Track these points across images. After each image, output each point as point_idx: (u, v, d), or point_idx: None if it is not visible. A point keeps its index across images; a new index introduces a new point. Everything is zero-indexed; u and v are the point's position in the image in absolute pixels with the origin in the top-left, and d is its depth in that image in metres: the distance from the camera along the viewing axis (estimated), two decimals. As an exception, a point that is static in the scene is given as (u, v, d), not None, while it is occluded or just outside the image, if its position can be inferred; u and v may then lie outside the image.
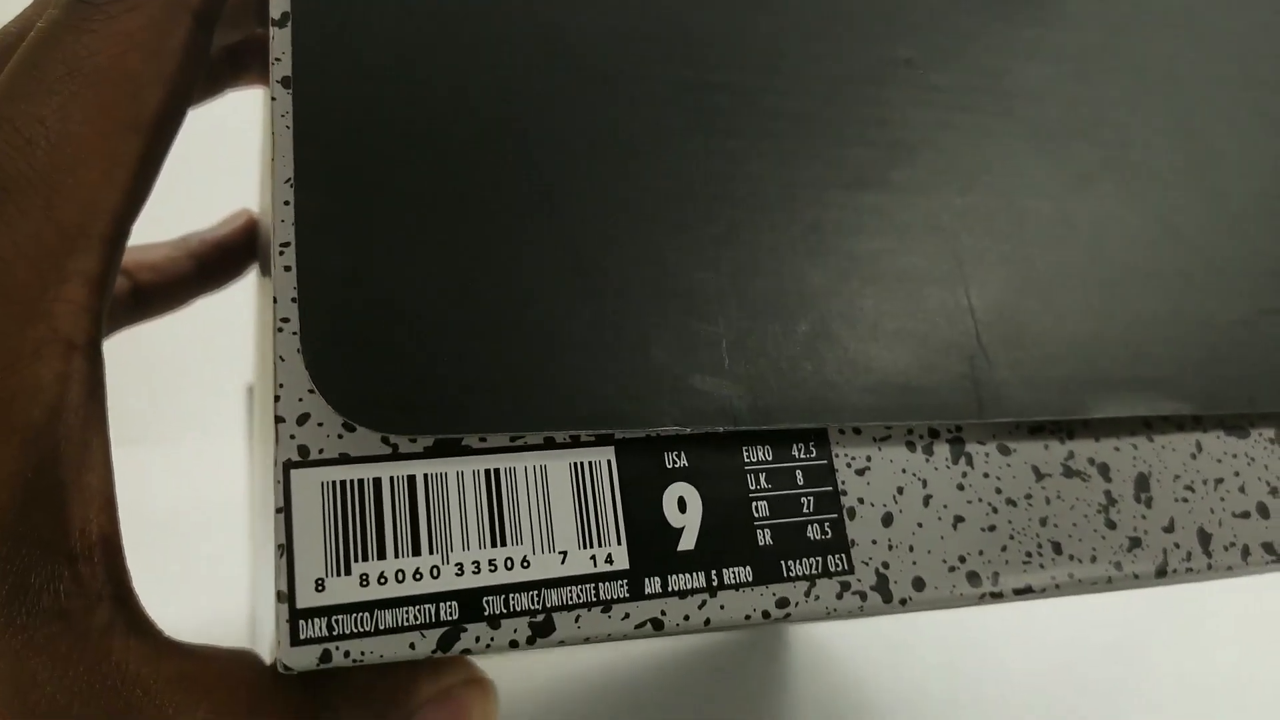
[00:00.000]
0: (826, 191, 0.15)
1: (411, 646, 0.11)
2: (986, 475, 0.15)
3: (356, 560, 0.11)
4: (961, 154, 0.16)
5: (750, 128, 0.15)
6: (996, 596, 0.14)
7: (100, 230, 0.13)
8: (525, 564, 0.12)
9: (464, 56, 0.13)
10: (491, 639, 0.12)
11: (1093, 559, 0.15)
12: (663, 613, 0.13)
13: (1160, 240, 0.17)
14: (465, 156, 0.13)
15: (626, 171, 0.14)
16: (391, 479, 0.12)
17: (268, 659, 0.14)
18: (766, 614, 0.13)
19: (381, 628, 0.11)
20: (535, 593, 0.12)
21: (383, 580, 0.11)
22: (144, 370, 0.37)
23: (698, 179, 0.14)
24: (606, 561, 0.12)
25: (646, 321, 0.13)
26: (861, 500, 0.14)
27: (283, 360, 0.12)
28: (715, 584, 0.13)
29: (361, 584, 0.11)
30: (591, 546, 0.12)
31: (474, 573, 0.12)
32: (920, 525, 0.14)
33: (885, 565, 0.14)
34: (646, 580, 0.13)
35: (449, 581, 0.12)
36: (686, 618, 0.13)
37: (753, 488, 0.14)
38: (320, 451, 0.12)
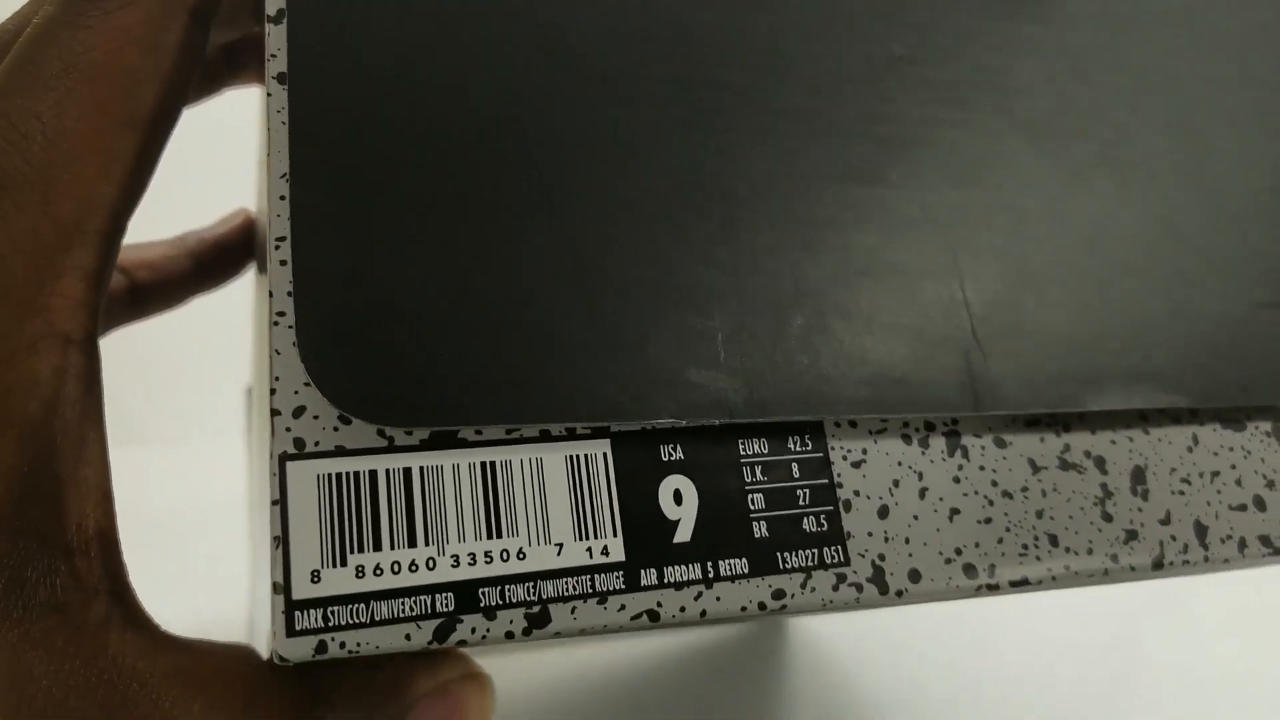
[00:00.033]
0: (823, 187, 0.15)
1: (407, 638, 0.11)
2: (982, 468, 0.15)
3: (352, 552, 0.11)
4: (958, 150, 0.16)
5: (747, 125, 0.15)
6: (993, 589, 0.14)
7: (97, 225, 0.13)
8: (521, 556, 0.12)
9: (461, 53, 0.13)
10: (487, 630, 0.12)
11: (1089, 551, 0.15)
12: (659, 604, 0.13)
13: (1156, 236, 0.17)
14: (461, 151, 0.13)
15: (623, 168, 0.14)
16: (387, 471, 0.12)
17: (265, 655, 0.14)
18: (763, 606, 0.13)
19: (377, 619, 0.11)
20: (531, 584, 0.12)
21: (378, 572, 0.11)
22: (143, 370, 0.37)
23: (694, 176, 0.14)
24: (602, 553, 0.12)
25: (642, 315, 0.13)
26: (857, 493, 0.14)
27: (278, 354, 0.12)
28: (711, 576, 0.13)
29: (357, 575, 0.11)
30: (587, 538, 0.12)
31: (470, 564, 0.12)
32: (916, 518, 0.14)
33: (881, 557, 0.14)
34: (642, 572, 0.13)
35: (445, 573, 0.12)
36: (682, 609, 0.13)
37: (748, 480, 0.14)
38: (316, 444, 0.12)
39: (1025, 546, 0.15)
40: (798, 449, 0.14)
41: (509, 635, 0.12)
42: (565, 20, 0.14)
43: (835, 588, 0.13)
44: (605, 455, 0.13)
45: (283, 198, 0.12)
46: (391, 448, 0.12)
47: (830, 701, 0.36)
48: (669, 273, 0.13)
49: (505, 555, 0.12)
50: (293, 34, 0.13)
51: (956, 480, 0.15)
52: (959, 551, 0.14)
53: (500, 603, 0.12)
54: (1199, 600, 0.42)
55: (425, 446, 0.12)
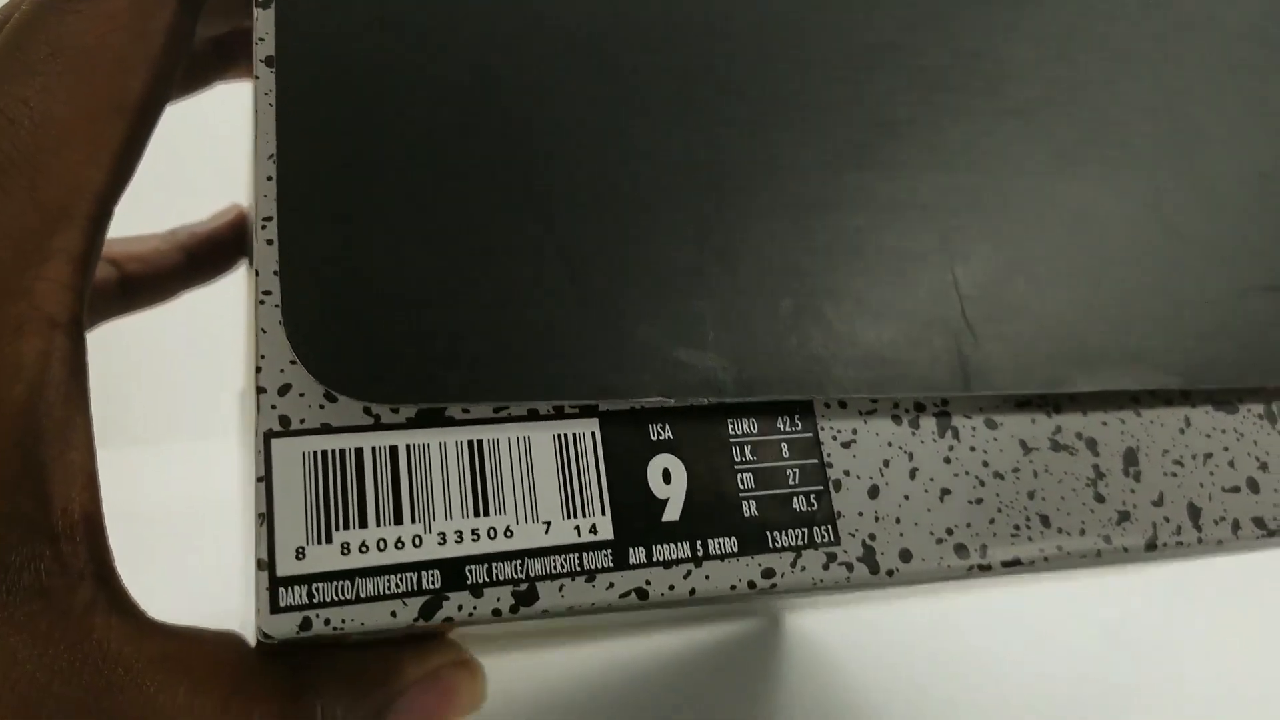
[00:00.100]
0: (812, 170, 0.15)
1: (393, 615, 0.11)
2: (973, 449, 0.15)
3: (337, 529, 0.11)
4: (947, 134, 0.16)
5: (736, 110, 0.15)
6: (985, 569, 0.14)
7: (84, 210, 0.13)
8: (509, 534, 0.12)
9: (447, 36, 0.14)
10: (474, 608, 0.12)
11: (1081, 532, 0.15)
12: (647, 582, 0.12)
13: (1146, 219, 0.17)
14: (448, 132, 0.13)
15: (612, 151, 0.14)
16: (374, 449, 0.12)
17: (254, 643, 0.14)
18: (752, 585, 0.13)
19: (363, 595, 0.11)
20: (518, 562, 0.12)
21: (364, 549, 0.11)
22: (143, 371, 0.37)
23: (684, 158, 0.14)
24: (591, 532, 0.12)
25: (631, 295, 0.13)
26: (847, 472, 0.14)
27: (264, 332, 0.12)
28: (700, 554, 0.13)
29: (343, 552, 0.11)
30: (575, 517, 0.12)
31: (456, 542, 0.12)
32: (907, 498, 0.14)
33: (872, 537, 0.14)
34: (631, 550, 0.13)
35: (431, 550, 0.12)
36: (671, 588, 0.13)
37: (738, 460, 0.14)
38: (302, 421, 0.12)
39: (1017, 527, 0.15)
40: (787, 429, 0.14)
41: (496, 613, 0.12)
42: (552, 3, 0.14)
43: (825, 567, 0.13)
44: (594, 434, 0.13)
45: (269, 178, 0.12)
46: (378, 425, 0.12)
47: (828, 701, 0.36)
48: (658, 253, 0.13)
49: (492, 533, 0.12)
50: (280, 17, 0.13)
51: (947, 461, 0.15)
52: (950, 531, 0.14)
53: (487, 580, 0.12)
54: (1198, 600, 0.42)
55: (412, 425, 0.12)
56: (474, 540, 0.12)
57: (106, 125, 0.13)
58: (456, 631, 0.16)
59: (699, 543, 0.13)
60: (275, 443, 0.11)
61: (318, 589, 0.11)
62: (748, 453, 0.14)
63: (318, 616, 0.11)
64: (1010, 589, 0.39)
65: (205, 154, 0.28)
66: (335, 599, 0.11)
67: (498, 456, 0.12)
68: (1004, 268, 0.16)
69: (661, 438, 0.13)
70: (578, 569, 0.12)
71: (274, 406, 0.12)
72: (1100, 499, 0.16)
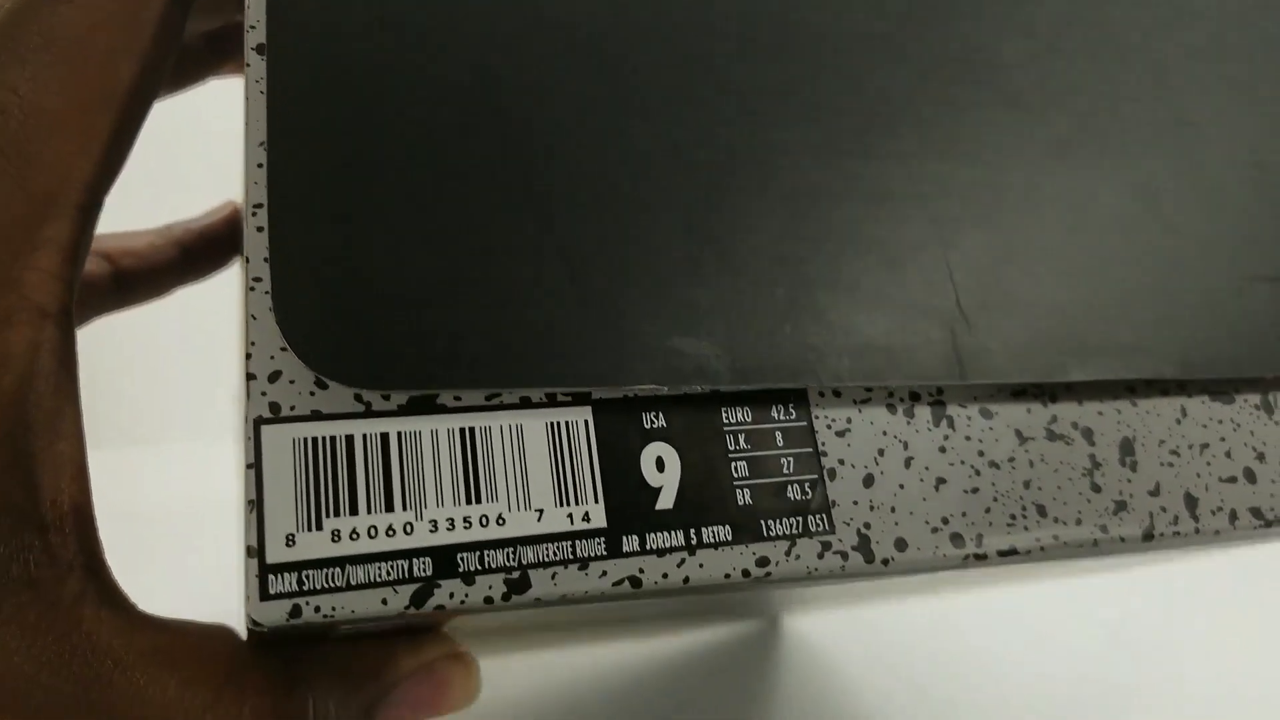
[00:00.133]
0: (806, 160, 0.15)
1: (384, 602, 0.11)
2: (968, 438, 0.15)
3: (328, 516, 0.11)
4: (941, 124, 0.16)
5: (730, 100, 0.15)
6: (980, 559, 0.14)
7: (73, 199, 0.13)
8: (501, 521, 0.12)
9: (438, 22, 0.14)
10: (466, 596, 0.12)
11: (1078, 521, 0.15)
12: (641, 570, 0.12)
13: (1139, 208, 0.17)
14: (439, 119, 0.13)
15: (604, 137, 0.14)
16: (364, 436, 0.12)
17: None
18: (746, 573, 0.13)
19: (353, 583, 0.11)
20: (511, 550, 0.12)
21: (354, 536, 0.11)
22: (145, 371, 0.37)
23: (677, 146, 0.14)
24: (584, 519, 0.12)
25: (625, 283, 0.13)
26: (842, 461, 0.14)
27: (254, 319, 0.12)
28: (694, 543, 0.13)
29: (333, 539, 0.11)
30: (568, 505, 0.12)
31: (448, 529, 0.12)
32: (902, 487, 0.14)
33: (867, 526, 0.14)
34: (624, 538, 0.12)
35: (422, 538, 0.12)
36: (665, 576, 0.12)
37: (732, 448, 0.13)
38: (292, 408, 0.12)
39: (1013, 516, 0.15)
40: (781, 417, 0.14)
41: (488, 601, 0.12)
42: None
43: (820, 555, 0.13)
44: (586, 422, 0.13)
45: (260, 165, 0.12)
46: (369, 413, 0.12)
47: (826, 703, 0.36)
48: (652, 241, 0.13)
49: (484, 521, 0.12)
50: (272, 5, 0.13)
51: (943, 450, 0.15)
52: (945, 521, 0.14)
53: (479, 568, 0.12)
54: (1198, 600, 0.42)
55: (403, 412, 0.12)
56: (466, 528, 0.12)
57: (97, 115, 0.13)
58: (452, 626, 0.15)
59: (693, 531, 0.13)
60: (265, 429, 0.11)
61: (308, 576, 0.11)
62: (742, 441, 0.14)
63: (308, 604, 0.11)
64: (1010, 588, 0.39)
65: (200, 150, 0.28)
66: (326, 586, 0.11)
67: (490, 444, 0.12)
68: (999, 257, 0.16)
69: (655, 426, 0.13)
70: (570, 557, 0.12)
71: (264, 393, 0.11)
72: (1097, 489, 0.15)
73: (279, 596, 0.11)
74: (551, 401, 0.13)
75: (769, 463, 0.14)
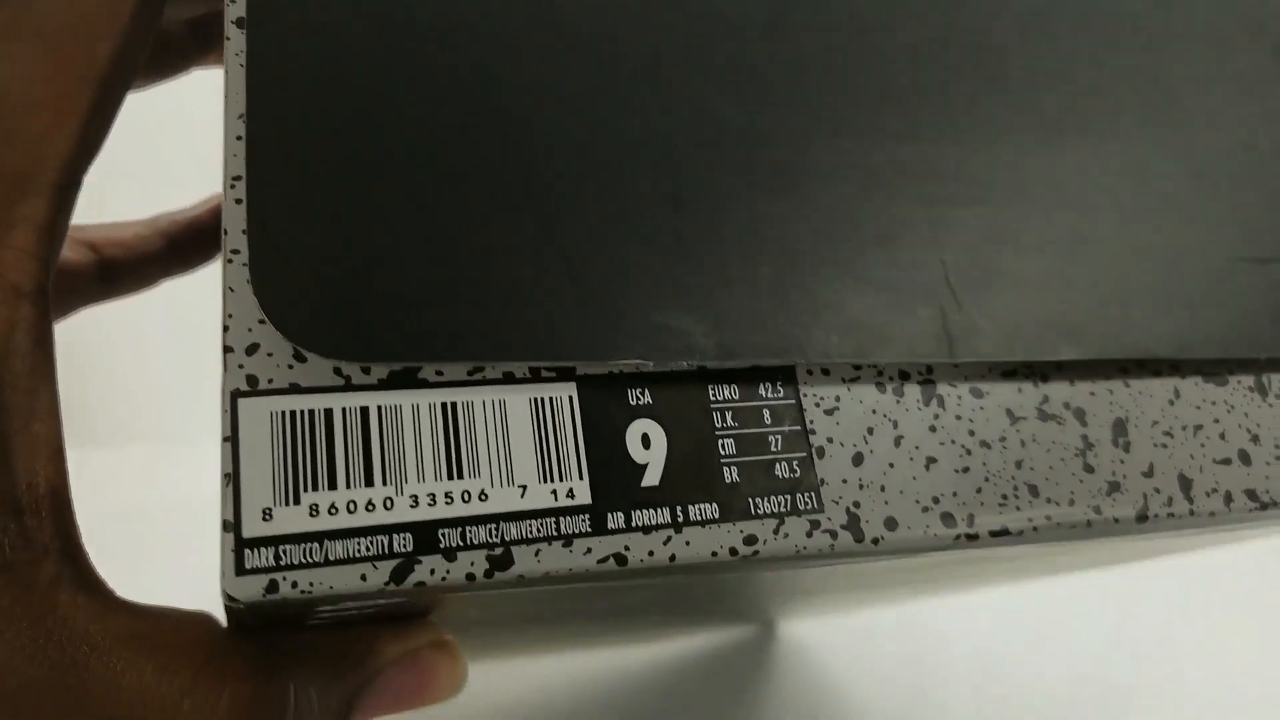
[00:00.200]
0: (795, 139, 0.15)
1: (363, 578, 0.11)
2: (959, 417, 0.15)
3: (306, 490, 0.11)
4: (928, 103, 0.16)
5: (718, 79, 0.15)
6: (972, 539, 0.14)
7: (49, 177, 0.13)
8: (483, 497, 0.12)
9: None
10: (447, 572, 0.11)
11: (1071, 502, 0.15)
12: (626, 548, 0.12)
13: (1130, 189, 0.17)
14: (422, 88, 0.13)
15: (591, 111, 0.14)
16: (344, 410, 0.12)
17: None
18: (734, 551, 0.13)
19: (331, 558, 0.11)
20: (493, 526, 0.12)
21: (333, 511, 0.11)
22: (146, 370, 0.37)
23: (663, 122, 0.14)
24: (568, 496, 0.12)
25: (611, 256, 0.13)
26: (831, 439, 0.14)
27: (232, 291, 0.12)
28: (681, 520, 0.13)
29: (311, 514, 0.11)
30: (552, 481, 0.12)
31: (429, 505, 0.11)
32: (892, 465, 0.14)
33: (856, 504, 0.14)
34: (609, 515, 0.12)
35: (403, 513, 0.11)
36: (651, 553, 0.12)
37: (719, 425, 0.13)
38: (270, 381, 0.11)
39: (1005, 496, 0.15)
40: (769, 395, 0.14)
41: (470, 578, 0.11)
42: None
43: (809, 534, 0.13)
44: (571, 398, 0.13)
45: (239, 137, 0.12)
46: (348, 386, 0.12)
47: (822, 709, 0.36)
48: (639, 216, 0.13)
49: (466, 496, 0.12)
50: (252, -19, 0.13)
51: (933, 429, 0.15)
52: (936, 500, 0.14)
53: (461, 544, 0.11)
54: (1198, 600, 0.41)
55: (383, 386, 0.12)
56: (447, 503, 0.12)
57: (74, 93, 0.13)
58: (439, 616, 0.15)
59: (679, 508, 0.13)
60: (242, 402, 0.11)
61: (285, 551, 0.11)
62: (729, 418, 0.13)
63: (285, 579, 0.11)
64: (1010, 589, 0.39)
65: (185, 142, 0.28)
66: (303, 561, 0.11)
67: (472, 419, 0.12)
68: (989, 236, 0.16)
69: (641, 402, 0.13)
70: (554, 533, 0.12)
71: (241, 366, 0.11)
72: (1089, 469, 0.15)
73: (255, 571, 0.11)
74: (535, 377, 0.13)
75: (757, 440, 0.13)
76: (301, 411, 0.11)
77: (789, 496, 0.13)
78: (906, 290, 0.15)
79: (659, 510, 0.12)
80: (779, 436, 0.14)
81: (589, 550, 0.12)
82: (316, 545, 0.11)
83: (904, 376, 0.15)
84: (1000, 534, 0.14)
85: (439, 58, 0.13)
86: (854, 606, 0.35)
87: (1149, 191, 0.17)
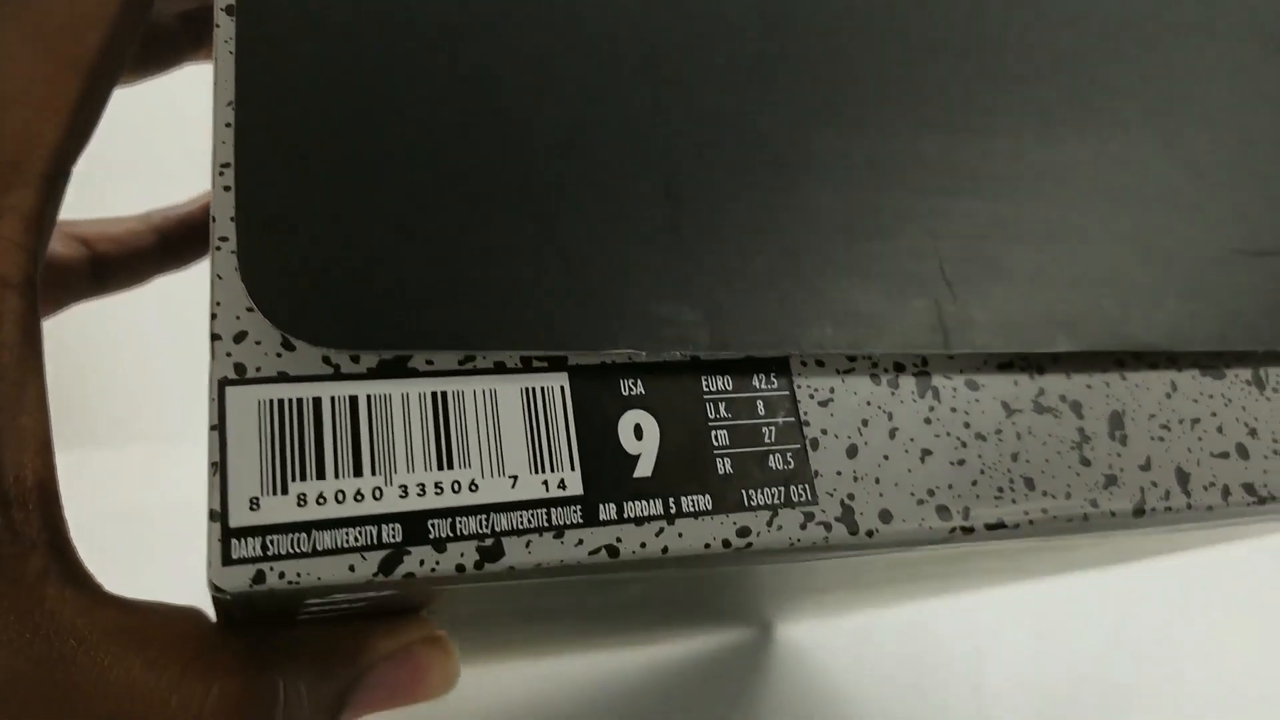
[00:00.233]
0: (788, 129, 0.15)
1: (351, 569, 0.11)
2: (954, 410, 0.15)
3: (294, 480, 0.11)
4: (924, 94, 0.16)
5: (711, 68, 0.15)
6: (968, 531, 0.14)
7: (37, 166, 0.13)
8: (474, 488, 0.12)
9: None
10: (437, 563, 0.11)
11: (1067, 495, 0.15)
12: (618, 540, 0.12)
13: (1127, 181, 0.17)
14: (412, 76, 0.13)
15: (583, 100, 0.14)
16: (333, 399, 0.11)
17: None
18: (727, 543, 0.13)
19: (319, 549, 0.11)
20: (484, 516, 0.12)
21: (321, 500, 0.11)
22: (148, 370, 0.37)
23: (658, 112, 0.14)
24: (559, 487, 0.12)
25: (603, 245, 0.13)
26: (825, 431, 0.14)
27: (220, 279, 0.11)
28: (673, 512, 0.12)
29: (299, 504, 0.11)
30: (543, 471, 0.12)
31: (419, 495, 0.11)
32: (886, 457, 0.14)
33: (850, 497, 0.13)
34: (601, 506, 0.12)
35: (392, 503, 0.11)
36: (643, 545, 0.12)
37: (712, 416, 0.13)
38: (258, 370, 0.11)
39: (1000, 489, 0.14)
40: (763, 386, 0.14)
41: (460, 569, 0.11)
42: None
43: (803, 526, 0.13)
44: (563, 388, 0.13)
45: (228, 124, 0.12)
46: (337, 375, 0.12)
47: (820, 712, 0.35)
48: (632, 204, 0.13)
49: (456, 487, 0.12)
50: (242, -30, 0.13)
51: (928, 421, 0.15)
52: (931, 493, 0.14)
53: (451, 535, 0.11)
54: (1198, 600, 0.41)
55: (373, 375, 0.12)
56: (437, 494, 0.11)
57: (62, 82, 0.13)
58: (432, 612, 0.15)
59: (672, 500, 0.12)
60: (230, 390, 0.11)
61: (272, 541, 0.11)
62: (722, 410, 0.13)
63: (272, 570, 0.11)
64: (1010, 589, 0.38)
65: (179, 138, 0.28)
66: (291, 552, 0.11)
67: (462, 409, 0.12)
68: (985, 228, 0.16)
69: (633, 393, 0.13)
70: (546, 524, 0.12)
71: (229, 354, 0.11)
72: (1086, 462, 0.15)
73: (242, 561, 0.10)
74: (526, 367, 0.13)
75: (750, 432, 0.13)
76: (290, 400, 0.11)
77: (783, 488, 0.13)
78: (901, 282, 0.15)
79: (651, 502, 0.12)
80: (773, 428, 0.13)
81: (580, 542, 0.12)
82: (304, 535, 0.11)
83: (899, 368, 0.15)
84: (996, 527, 0.14)
85: (427, 43, 0.13)
86: (852, 608, 0.35)
87: (1145, 184, 0.17)
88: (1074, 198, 0.16)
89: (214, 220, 0.12)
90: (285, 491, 0.11)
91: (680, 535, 0.12)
